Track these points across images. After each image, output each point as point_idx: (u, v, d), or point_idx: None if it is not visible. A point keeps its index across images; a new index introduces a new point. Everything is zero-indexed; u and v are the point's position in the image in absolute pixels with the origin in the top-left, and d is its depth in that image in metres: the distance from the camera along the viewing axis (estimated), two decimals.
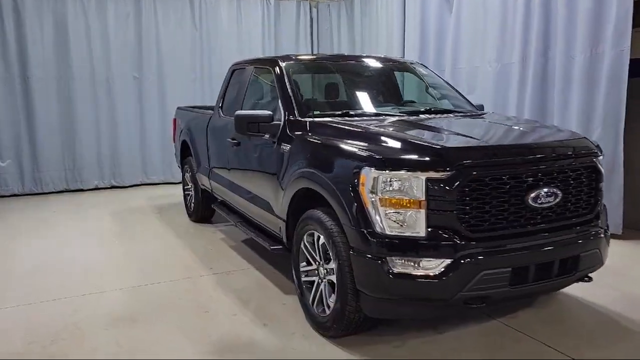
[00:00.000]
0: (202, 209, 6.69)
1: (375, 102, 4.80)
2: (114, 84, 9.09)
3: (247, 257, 5.44)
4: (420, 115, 4.36)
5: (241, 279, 4.82)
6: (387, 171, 3.08)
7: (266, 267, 5.09)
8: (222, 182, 5.56)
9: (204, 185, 6.34)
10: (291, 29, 10.44)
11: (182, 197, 7.41)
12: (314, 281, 3.77)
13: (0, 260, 5.47)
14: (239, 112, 4.25)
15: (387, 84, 5.16)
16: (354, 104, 4.69)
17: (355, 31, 9.93)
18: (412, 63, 5.44)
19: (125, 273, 5.03)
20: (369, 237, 3.11)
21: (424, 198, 3.02)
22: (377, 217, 3.10)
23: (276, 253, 4.41)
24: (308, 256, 3.79)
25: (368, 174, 3.12)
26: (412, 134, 3.61)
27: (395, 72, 5.12)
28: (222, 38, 9.82)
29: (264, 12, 10.14)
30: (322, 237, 3.53)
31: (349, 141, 3.49)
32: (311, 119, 4.05)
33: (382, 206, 3.09)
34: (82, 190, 9.11)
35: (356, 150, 3.33)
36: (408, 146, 3.29)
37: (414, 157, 3.15)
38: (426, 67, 5.50)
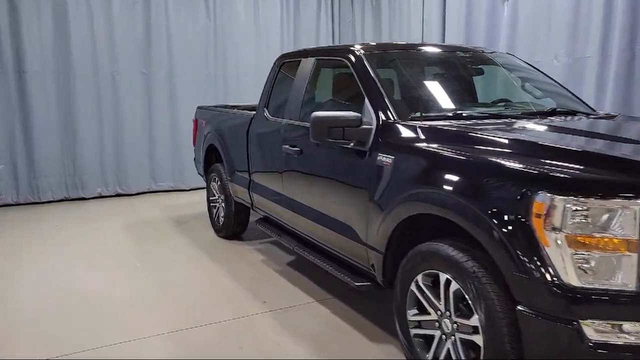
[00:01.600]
0: (235, 224, 5.73)
1: (485, 100, 3.88)
2: (120, 80, 8.06)
3: (302, 286, 4.50)
4: (553, 117, 3.44)
5: (307, 319, 3.88)
6: (579, 198, 2.16)
7: (332, 301, 4.16)
8: (270, 196, 4.61)
9: (239, 197, 5.37)
10: (311, 22, 9.50)
11: (203, 209, 6.46)
12: (431, 336, 2.85)
13: None
14: (318, 114, 3.30)
15: (489, 79, 4.24)
16: (460, 102, 3.76)
17: (383, 24, 9.01)
18: (506, 54, 4.55)
19: (162, 311, 4.05)
20: (552, 290, 2.19)
21: (637, 237, 2.11)
22: (562, 262, 2.18)
23: (362, 290, 3.48)
24: (425, 302, 2.86)
25: (548, 202, 2.20)
26: (586, 143, 2.69)
27: (489, 66, 4.19)
28: (237, 31, 8.84)
29: (283, 4, 9.18)
30: (454, 281, 2.60)
31: (501, 154, 2.57)
32: (419, 123, 3.11)
33: (570, 247, 2.17)
34: (83, 198, 8.06)
35: (521, 167, 2.40)
36: (602, 162, 2.37)
37: (620, 177, 2.23)
38: (521, 59, 4.60)
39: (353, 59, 3.72)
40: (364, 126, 3.30)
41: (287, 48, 9.17)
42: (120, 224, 6.60)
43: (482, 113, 3.50)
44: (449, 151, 2.71)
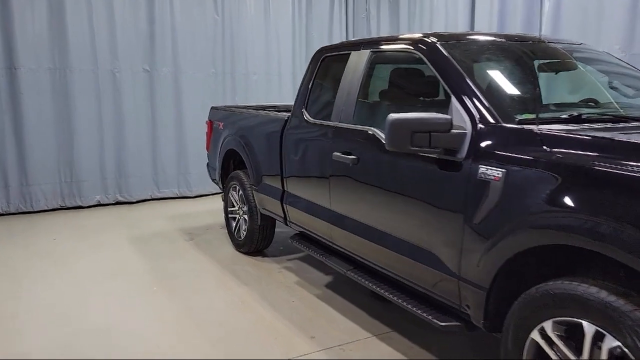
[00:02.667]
0: (260, 239, 5.08)
1: (594, 100, 3.26)
2: (121, 78, 7.35)
3: (352, 315, 3.86)
4: None
5: None
6: None
7: (392, 337, 3.53)
8: (311, 210, 3.97)
9: (268, 210, 4.72)
10: (324, 17, 8.87)
11: (216, 219, 5.85)
12: None
13: None
14: (396, 116, 2.66)
15: (575, 75, 3.63)
16: (562, 102, 3.14)
17: (401, 18, 8.38)
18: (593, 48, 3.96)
19: (195, 349, 3.38)
20: None
21: None
22: None
23: (449, 331, 2.85)
24: (556, 357, 2.23)
25: None
26: None
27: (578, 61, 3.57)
28: (247, 26, 8.18)
29: None
30: (609, 335, 1.98)
31: None
32: (534, 127, 2.48)
33: None
34: (80, 207, 7.34)
35: None
36: None
37: None
38: (609, 53, 4.01)
39: (428, 50, 3.09)
40: (456, 130, 2.66)
41: (299, 45, 8.56)
42: (127, 237, 5.90)
43: (602, 115, 2.87)
44: (601, 165, 2.08)
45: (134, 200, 7.66)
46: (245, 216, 5.14)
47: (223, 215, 5.62)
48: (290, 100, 8.31)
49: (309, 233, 4.18)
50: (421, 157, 2.84)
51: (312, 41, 8.71)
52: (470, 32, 3.86)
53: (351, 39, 8.98)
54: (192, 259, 5.16)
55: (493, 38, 3.41)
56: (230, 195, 5.46)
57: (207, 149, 6.08)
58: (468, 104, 2.71)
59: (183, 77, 7.76)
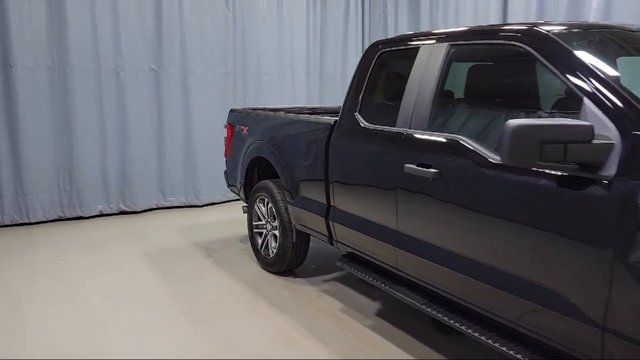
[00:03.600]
0: (293, 258, 4.47)
1: None
2: (125, 77, 6.69)
3: (415, 351, 3.26)
4: None
5: None
6: None
7: None
8: (370, 230, 3.37)
9: (307, 226, 4.11)
10: (339, 14, 8.29)
11: (232, 231, 5.30)
12: None
13: None
14: (520, 122, 2.08)
15: None
16: None
17: (422, 14, 7.81)
18: None
19: None
20: None
21: None
22: None
23: None
24: None
25: None
26: None
27: None
28: (259, 23, 7.56)
29: None
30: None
31: None
32: None
33: None
34: (81, 217, 6.66)
35: None
36: None
37: None
38: None
39: (542, 42, 2.50)
40: (599, 141, 2.08)
41: (313, 43, 7.97)
42: (137, 253, 5.26)
43: None
44: None
45: (139, 210, 7.00)
46: (276, 232, 4.53)
47: (239, 227, 5.03)
48: (303, 102, 7.81)
49: (361, 255, 3.58)
50: (543, 173, 2.26)
51: (327, 39, 8.12)
52: (574, 21, 3.27)
53: (367, 37, 8.40)
54: (216, 280, 4.53)
55: (608, 28, 2.82)
56: (255, 208, 4.84)
57: (226, 155, 5.45)
58: (611, 107, 2.13)
59: (192, 77, 7.12)
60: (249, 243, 5.14)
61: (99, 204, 6.75)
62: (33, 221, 6.38)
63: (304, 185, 4.04)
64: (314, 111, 5.73)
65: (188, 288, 4.36)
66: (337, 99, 8.20)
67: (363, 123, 3.45)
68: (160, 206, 7.20)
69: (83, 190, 6.61)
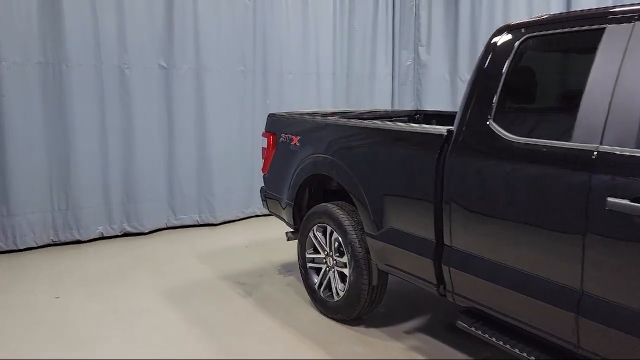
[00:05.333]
0: (368, 304, 3.46)
1: None
2: (131, 76, 5.61)
3: None
4: None
5: None
6: None
7: None
8: (525, 287, 2.36)
9: (401, 268, 3.10)
10: (368, 7, 7.29)
11: (264, 258, 4.36)
12: None
13: None
14: None
15: None
16: None
17: (461, 5, 6.87)
18: None
19: None
20: None
21: None
22: None
23: None
24: None
25: None
26: None
27: None
28: (281, 15, 6.54)
29: None
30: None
31: None
32: None
33: None
34: (79, 242, 5.54)
35: None
36: None
37: None
38: None
39: None
40: None
41: (340, 39, 6.98)
42: (157, 291, 4.20)
43: None
44: None
45: (146, 231, 5.91)
46: (343, 270, 3.52)
47: (270, 253, 4.14)
48: (329, 104, 6.81)
49: (494, 314, 2.57)
50: None
51: (354, 34, 7.12)
52: None
53: (397, 31, 7.41)
54: (268, 332, 3.51)
55: None
56: (311, 237, 3.81)
57: (265, 170, 4.41)
58: None
59: (207, 76, 6.07)
60: (292, 276, 4.15)
61: (99, 225, 5.64)
62: (21, 247, 5.27)
63: (395, 214, 3.03)
64: (380, 116, 4.76)
65: (235, 344, 3.33)
66: (363, 100, 7.23)
67: (504, 135, 2.45)
68: (170, 225, 6.12)
69: (81, 209, 5.50)
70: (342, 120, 3.58)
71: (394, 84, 7.44)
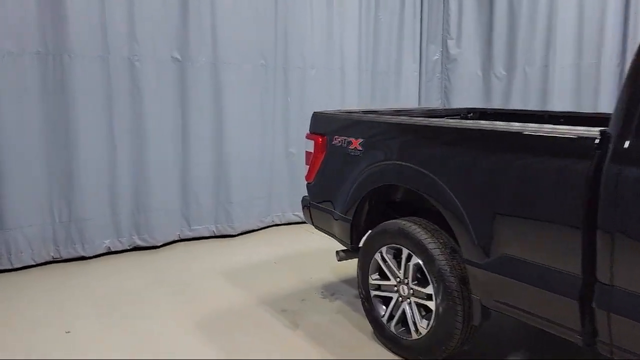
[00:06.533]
0: (458, 345, 2.78)
1: None
2: (142, 69, 4.87)
3: None
4: None
5: None
6: None
7: None
8: None
9: (519, 308, 2.41)
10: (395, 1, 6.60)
11: (296, 275, 3.94)
12: None
13: None
14: None
15: None
16: None
17: None
18: None
19: None
20: None
21: None
22: None
23: None
24: None
25: None
26: None
27: None
28: (304, 6, 5.81)
29: None
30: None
31: None
32: None
33: None
34: (83, 258, 4.78)
35: None
36: None
37: None
38: None
39: None
40: None
41: (366, 31, 6.31)
42: (185, 320, 3.49)
43: None
44: None
45: (158, 244, 5.16)
46: (429, 303, 2.82)
47: (305, 269, 3.49)
48: (354, 102, 6.09)
49: None
50: None
51: (380, 26, 6.43)
52: None
53: (425, 24, 6.76)
54: None
55: None
56: (378, 260, 3.12)
57: (309, 178, 3.71)
58: None
59: (224, 70, 5.35)
60: (339, 301, 3.50)
61: (106, 239, 4.89)
62: (17, 266, 4.50)
63: (515, 238, 2.35)
64: (435, 115, 4.08)
65: None
66: (390, 98, 6.55)
67: None
68: (184, 237, 5.39)
69: (85, 221, 4.75)
70: (429, 121, 2.87)
71: (421, 80, 6.77)
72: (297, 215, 6.02)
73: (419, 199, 2.96)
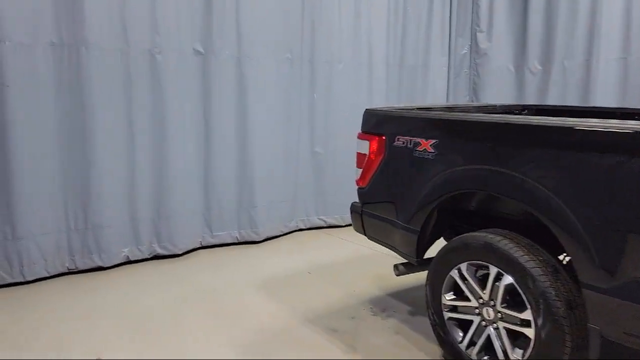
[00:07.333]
0: None
1: None
2: (163, 62, 4.41)
3: None
4: None
5: None
6: None
7: None
8: None
9: None
10: None
11: (335, 286, 3.56)
12: None
13: None
14: None
15: None
16: None
17: None
18: None
19: None
20: None
21: None
22: None
23: None
24: None
25: None
26: None
27: None
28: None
29: None
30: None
31: None
32: None
33: None
34: (101, 268, 4.32)
35: None
36: None
37: None
38: None
39: None
40: None
41: (394, 25, 5.87)
42: (228, 342, 3.07)
43: None
44: None
45: (179, 252, 4.71)
46: (525, 330, 2.40)
47: (344, 280, 3.20)
48: (382, 98, 5.67)
49: None
50: None
51: (409, 21, 6.00)
52: None
53: (454, 17, 6.34)
54: None
55: None
56: (455, 277, 2.70)
57: (362, 183, 3.29)
58: None
59: (249, 64, 4.89)
60: (393, 318, 3.12)
61: (124, 247, 4.44)
62: (30, 279, 4.04)
63: None
64: (489, 111, 3.66)
65: None
66: (417, 94, 6.13)
67: None
68: (206, 244, 4.95)
69: (102, 228, 4.29)
70: (528, 119, 2.44)
71: (450, 75, 6.35)
72: (322, 219, 5.60)
73: (494, 207, 2.55)
